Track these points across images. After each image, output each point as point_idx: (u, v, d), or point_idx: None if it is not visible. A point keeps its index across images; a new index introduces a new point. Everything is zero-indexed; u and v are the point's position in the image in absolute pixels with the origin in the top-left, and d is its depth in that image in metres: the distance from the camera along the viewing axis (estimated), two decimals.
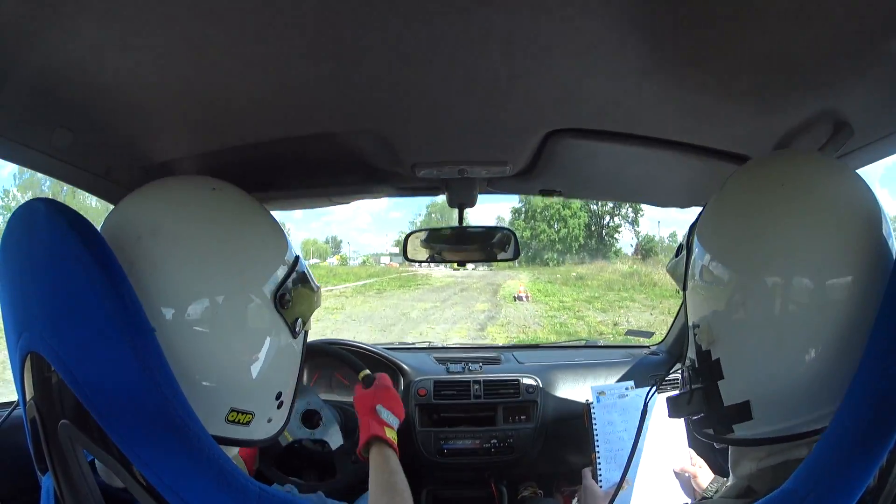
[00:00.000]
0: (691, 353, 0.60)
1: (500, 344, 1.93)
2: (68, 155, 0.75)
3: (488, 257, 1.23)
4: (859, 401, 0.46)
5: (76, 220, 0.49)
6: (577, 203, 26.92)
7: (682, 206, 1.19)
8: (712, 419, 0.58)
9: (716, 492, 0.85)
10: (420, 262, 1.23)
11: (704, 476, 0.93)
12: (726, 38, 0.56)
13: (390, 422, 0.84)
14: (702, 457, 0.98)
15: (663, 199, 1.20)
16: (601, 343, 2.02)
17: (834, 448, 0.46)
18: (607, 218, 31.21)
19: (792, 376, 0.51)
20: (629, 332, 2.13)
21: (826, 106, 0.69)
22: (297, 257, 0.64)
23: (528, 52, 0.58)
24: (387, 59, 0.59)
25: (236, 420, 0.58)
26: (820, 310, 0.49)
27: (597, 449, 1.00)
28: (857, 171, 0.57)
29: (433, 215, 31.29)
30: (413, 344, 1.92)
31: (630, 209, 29.43)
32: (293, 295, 0.61)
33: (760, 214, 0.53)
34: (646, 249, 28.97)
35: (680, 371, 0.63)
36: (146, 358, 0.46)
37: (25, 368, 0.50)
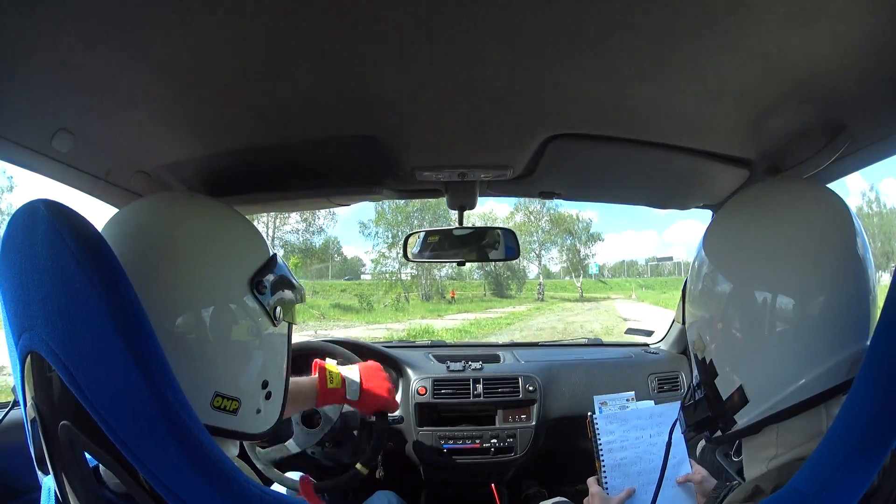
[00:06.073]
0: (695, 371, 0.66)
1: (501, 342, 1.93)
2: (69, 158, 0.75)
3: (488, 257, 1.23)
4: (863, 400, 0.46)
5: (77, 221, 0.48)
6: None
7: (682, 208, 1.18)
8: (719, 419, 0.62)
9: (723, 496, 0.85)
10: (420, 261, 1.23)
11: (708, 482, 0.94)
12: (726, 43, 0.56)
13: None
14: (704, 464, 0.99)
15: (663, 202, 1.19)
16: (602, 341, 2.01)
17: (838, 446, 0.46)
18: None
19: (770, 354, 0.56)
20: (629, 331, 2.13)
21: (824, 110, 0.69)
22: (274, 254, 0.67)
23: (527, 55, 0.58)
24: (386, 62, 0.59)
25: (222, 406, 0.59)
26: (789, 308, 0.55)
27: (602, 458, 1.02)
28: (860, 171, 0.59)
29: None
30: (413, 342, 1.92)
31: None
32: (269, 283, 0.63)
33: (737, 237, 0.61)
34: None
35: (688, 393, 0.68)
36: (147, 360, 0.45)
37: (26, 368, 0.49)
